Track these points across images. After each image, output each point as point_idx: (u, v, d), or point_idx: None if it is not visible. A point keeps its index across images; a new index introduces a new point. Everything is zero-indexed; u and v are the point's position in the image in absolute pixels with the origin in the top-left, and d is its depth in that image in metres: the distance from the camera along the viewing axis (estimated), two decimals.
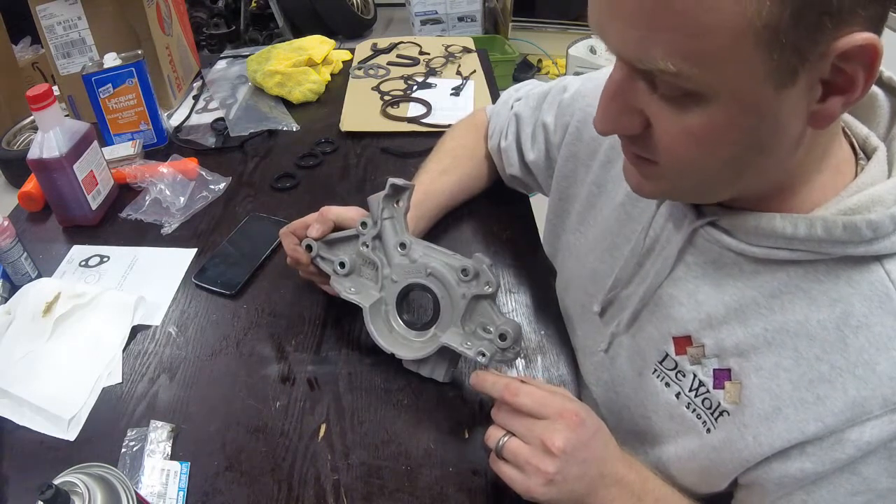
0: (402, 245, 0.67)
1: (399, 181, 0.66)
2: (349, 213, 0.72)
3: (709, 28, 0.36)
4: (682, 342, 0.56)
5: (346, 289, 0.70)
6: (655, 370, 0.58)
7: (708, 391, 0.54)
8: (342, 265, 0.70)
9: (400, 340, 0.69)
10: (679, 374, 0.56)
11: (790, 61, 0.37)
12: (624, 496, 0.54)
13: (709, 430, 0.54)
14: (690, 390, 0.55)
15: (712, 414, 0.53)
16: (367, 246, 0.69)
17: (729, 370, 0.52)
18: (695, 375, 0.55)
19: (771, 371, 0.49)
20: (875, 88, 0.51)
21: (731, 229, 0.51)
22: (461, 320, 0.64)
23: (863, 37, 0.36)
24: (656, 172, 0.48)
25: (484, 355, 0.60)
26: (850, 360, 0.46)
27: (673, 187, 0.50)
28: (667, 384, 0.57)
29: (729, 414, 0.52)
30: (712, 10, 0.35)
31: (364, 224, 0.69)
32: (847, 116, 0.52)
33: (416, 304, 0.68)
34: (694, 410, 0.55)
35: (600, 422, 0.55)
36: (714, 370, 0.53)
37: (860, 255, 0.45)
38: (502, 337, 0.60)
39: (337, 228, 0.72)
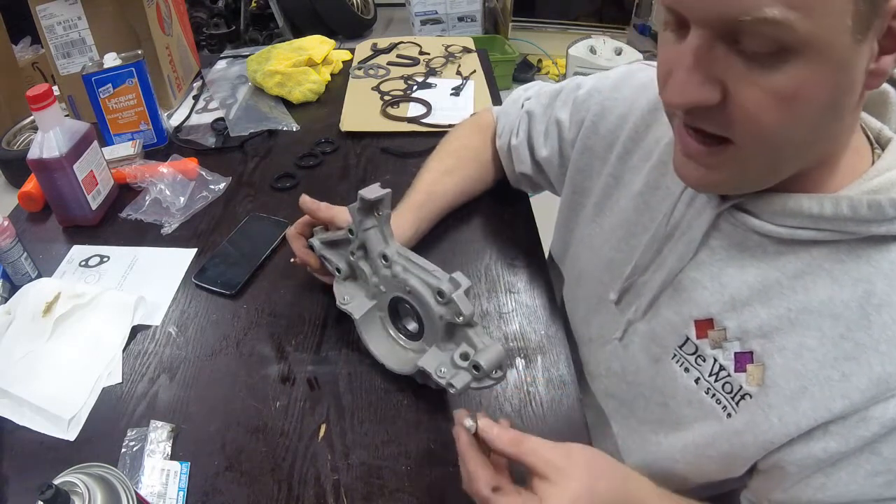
0: (385, 257, 0.65)
1: (369, 194, 0.62)
2: (343, 216, 0.72)
3: None
4: (704, 325, 0.56)
5: (341, 297, 0.70)
6: (675, 355, 0.59)
7: (729, 375, 0.54)
8: (339, 271, 0.70)
9: (394, 347, 0.69)
10: (699, 359, 0.56)
11: (867, 13, 0.38)
12: None
13: (729, 415, 0.54)
14: (710, 375, 0.55)
15: (733, 398, 0.54)
16: (353, 255, 0.69)
17: (751, 353, 0.53)
18: (715, 360, 0.55)
19: (795, 351, 0.50)
20: (887, 86, 0.53)
21: (757, 211, 0.52)
22: (442, 341, 0.62)
23: None
24: (728, 156, 0.47)
25: (453, 387, 0.57)
26: (873, 338, 0.46)
27: (743, 171, 0.48)
28: (686, 369, 0.58)
29: (751, 397, 0.52)
30: None
31: (351, 231, 0.67)
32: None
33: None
34: (714, 395, 0.55)
35: (606, 480, 0.50)
36: (735, 353, 0.54)
37: (882, 234, 0.47)
38: (476, 368, 0.57)
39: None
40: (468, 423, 0.51)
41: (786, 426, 0.49)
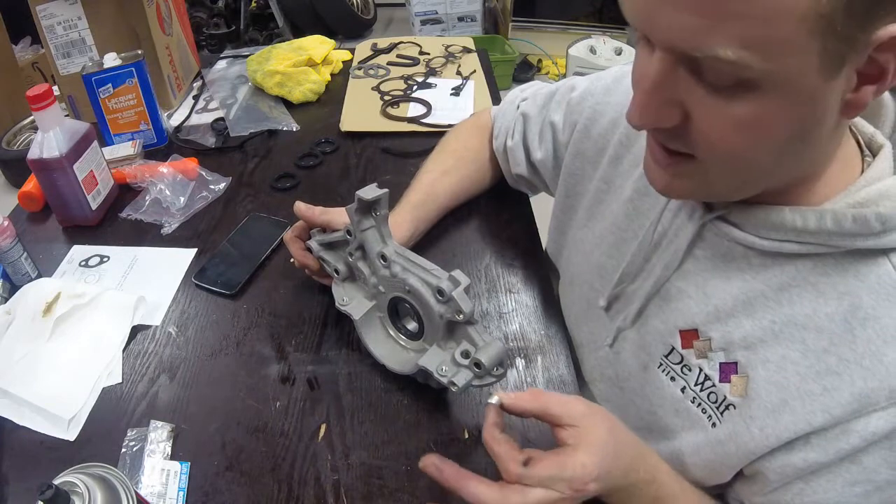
0: (384, 257, 0.65)
1: (366, 194, 0.62)
2: (339, 218, 0.72)
3: (775, 15, 0.36)
4: (689, 336, 0.56)
5: (340, 298, 0.70)
6: (661, 364, 0.59)
7: (714, 385, 0.54)
8: (337, 272, 0.70)
9: (394, 347, 0.69)
10: (685, 369, 0.56)
11: (840, 50, 0.37)
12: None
13: (714, 425, 0.54)
14: (696, 384, 0.55)
15: (718, 408, 0.54)
16: (352, 256, 0.69)
17: (735, 363, 0.52)
18: (700, 370, 0.55)
19: (778, 363, 0.50)
20: None
21: (741, 223, 0.51)
22: (443, 340, 0.62)
23: None
24: (692, 169, 0.46)
25: (455, 385, 0.58)
26: (857, 352, 0.46)
27: (707, 184, 0.48)
28: (672, 378, 0.58)
29: (735, 407, 0.52)
30: None
31: (349, 232, 0.67)
32: None
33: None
34: (699, 405, 0.55)
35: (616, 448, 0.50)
36: (720, 364, 0.54)
37: (868, 248, 0.46)
38: (478, 365, 0.58)
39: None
40: (494, 399, 0.51)
41: (766, 438, 0.49)
